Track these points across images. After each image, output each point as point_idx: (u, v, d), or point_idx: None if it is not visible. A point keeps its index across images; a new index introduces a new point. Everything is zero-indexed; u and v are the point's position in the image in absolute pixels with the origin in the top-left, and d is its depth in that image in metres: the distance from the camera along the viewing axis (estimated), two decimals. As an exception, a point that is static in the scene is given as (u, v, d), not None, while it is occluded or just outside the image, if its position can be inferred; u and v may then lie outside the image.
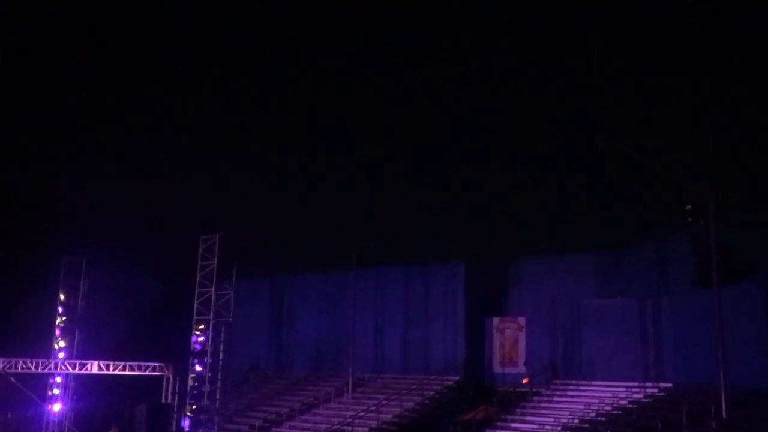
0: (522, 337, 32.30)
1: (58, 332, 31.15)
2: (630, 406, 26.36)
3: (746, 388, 22.41)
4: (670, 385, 27.03)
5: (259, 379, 39.44)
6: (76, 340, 31.47)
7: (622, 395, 27.33)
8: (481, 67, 20.17)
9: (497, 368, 32.74)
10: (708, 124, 20.15)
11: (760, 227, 24.96)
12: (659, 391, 26.95)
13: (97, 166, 26.47)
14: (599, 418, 25.87)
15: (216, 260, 27.08)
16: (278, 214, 29.68)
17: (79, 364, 29.04)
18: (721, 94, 18.82)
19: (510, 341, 32.59)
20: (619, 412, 25.97)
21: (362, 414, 30.65)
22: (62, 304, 31.47)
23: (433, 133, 23.39)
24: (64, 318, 31.40)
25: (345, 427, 29.57)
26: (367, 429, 29.45)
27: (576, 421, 26.25)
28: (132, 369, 29.03)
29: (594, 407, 26.93)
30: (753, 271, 24.86)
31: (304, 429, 31.52)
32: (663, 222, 25.57)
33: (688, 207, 23.30)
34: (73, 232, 30.82)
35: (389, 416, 30.53)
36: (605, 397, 27.63)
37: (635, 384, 27.79)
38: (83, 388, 31.73)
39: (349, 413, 31.23)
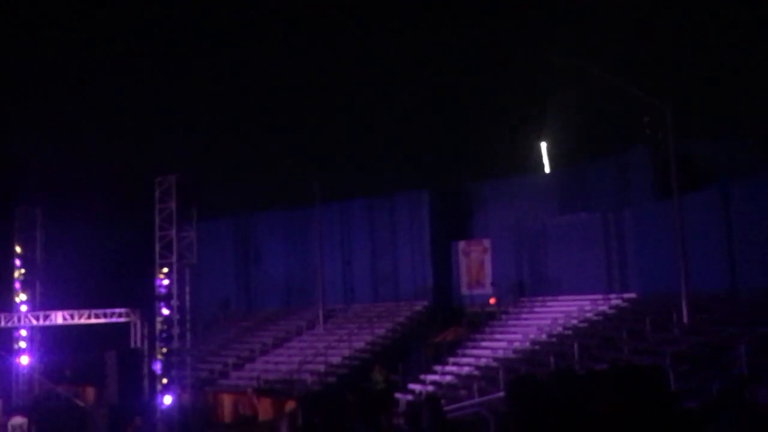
0: (488, 258, 32.56)
1: (18, 285, 30.49)
2: (596, 318, 26.87)
3: (707, 293, 22.94)
4: (634, 295, 27.55)
5: (230, 318, 39.40)
6: (37, 291, 30.87)
7: (588, 308, 27.82)
8: None
9: (465, 291, 33.11)
10: (662, 33, 19.86)
11: (718, 136, 25.08)
12: (623, 302, 27.48)
13: (46, 114, 25.41)
14: (566, 332, 26.35)
15: (174, 202, 26.35)
16: (236, 149, 29.02)
17: (43, 315, 28.52)
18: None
19: (476, 264, 32.85)
20: (586, 324, 26.47)
21: (335, 343, 30.88)
22: (19, 256, 30.69)
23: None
24: (23, 270, 30.68)
25: (318, 357, 29.78)
26: (340, 358, 29.69)
27: (544, 336, 26.70)
28: (98, 317, 28.57)
29: (561, 321, 27.40)
30: (712, 180, 25.10)
31: (277, 362, 31.67)
32: (622, 135, 25.57)
33: (646, 119, 23.26)
34: (24, 182, 29.84)
35: (362, 344, 30.81)
36: (571, 311, 28.11)
37: (600, 296, 28.29)
38: (50, 339, 31.30)
39: (321, 344, 31.44)
